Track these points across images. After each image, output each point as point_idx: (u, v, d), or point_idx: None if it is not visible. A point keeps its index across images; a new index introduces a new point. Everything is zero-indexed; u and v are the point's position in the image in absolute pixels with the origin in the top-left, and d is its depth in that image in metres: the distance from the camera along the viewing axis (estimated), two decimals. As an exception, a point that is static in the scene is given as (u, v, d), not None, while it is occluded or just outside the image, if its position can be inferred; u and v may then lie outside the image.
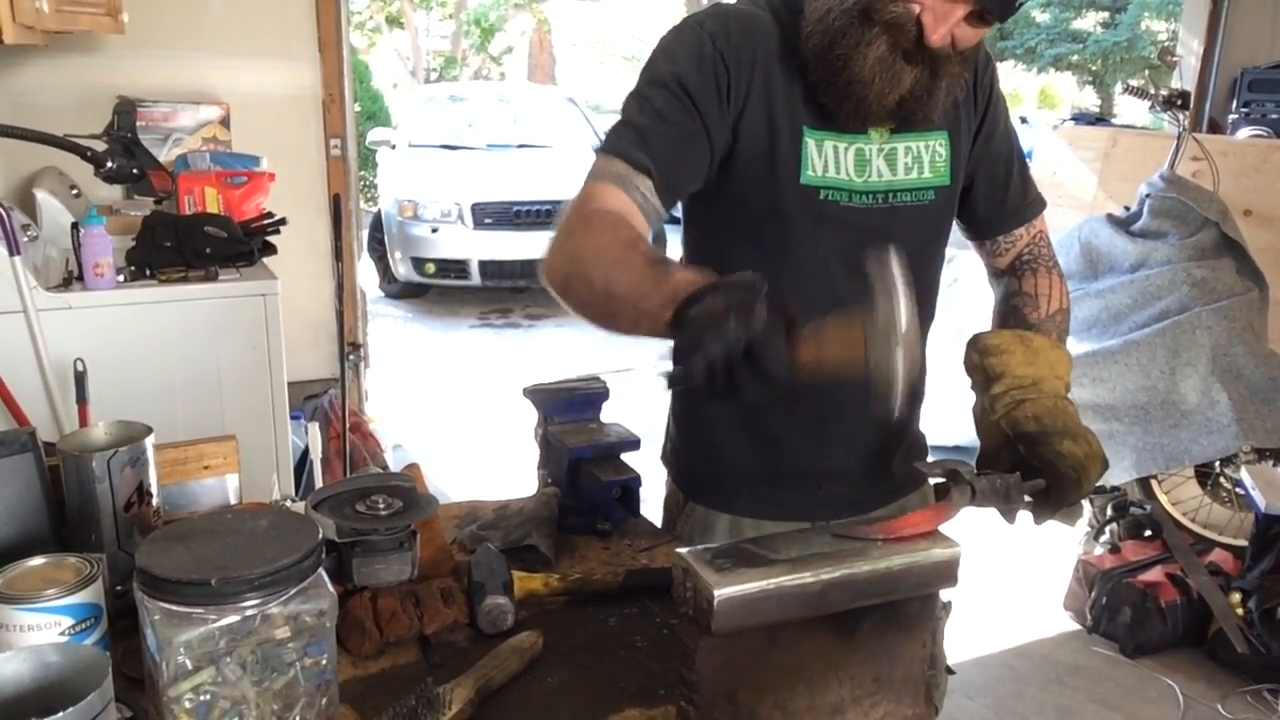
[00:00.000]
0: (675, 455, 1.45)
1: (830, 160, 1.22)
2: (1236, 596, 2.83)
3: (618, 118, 1.20)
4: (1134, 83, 4.00)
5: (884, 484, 1.38)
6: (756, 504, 1.36)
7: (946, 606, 1.37)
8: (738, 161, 1.21)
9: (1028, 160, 1.43)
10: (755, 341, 0.82)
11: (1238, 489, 3.18)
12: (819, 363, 0.86)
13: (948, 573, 0.85)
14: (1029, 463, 1.07)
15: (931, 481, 1.05)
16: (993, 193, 1.36)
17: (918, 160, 1.26)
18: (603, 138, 1.21)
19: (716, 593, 0.75)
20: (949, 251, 1.39)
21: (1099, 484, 3.42)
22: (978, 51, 1.21)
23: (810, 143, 1.21)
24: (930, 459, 1.45)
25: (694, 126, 1.16)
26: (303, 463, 3.02)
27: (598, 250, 1.05)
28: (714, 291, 0.87)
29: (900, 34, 1.10)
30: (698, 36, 1.18)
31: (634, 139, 1.15)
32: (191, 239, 2.46)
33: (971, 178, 1.33)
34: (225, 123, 3.40)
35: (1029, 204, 1.39)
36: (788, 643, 0.81)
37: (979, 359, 1.15)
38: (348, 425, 3.36)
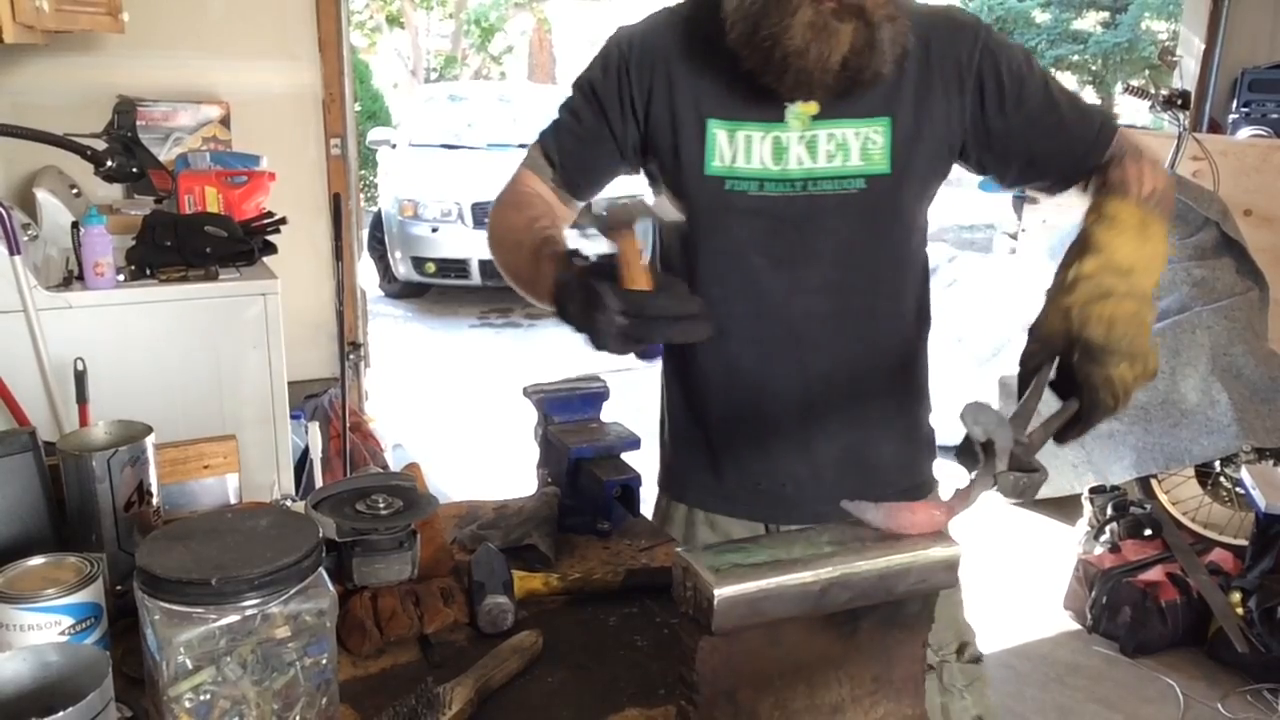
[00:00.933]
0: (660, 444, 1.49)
1: (741, 150, 1.23)
2: (1236, 596, 2.83)
3: None
4: (1134, 83, 4.00)
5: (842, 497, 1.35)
6: (703, 495, 1.40)
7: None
8: (654, 156, 1.31)
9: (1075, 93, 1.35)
10: (600, 319, 0.93)
11: (1238, 489, 3.18)
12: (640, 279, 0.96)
13: (948, 572, 0.85)
14: (1072, 375, 1.00)
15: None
16: (1060, 144, 1.26)
17: (843, 147, 1.23)
18: None
19: (716, 592, 0.75)
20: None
21: (1098, 485, 3.42)
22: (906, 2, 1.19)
23: (718, 134, 1.24)
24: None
25: (599, 126, 1.30)
26: (303, 462, 3.02)
27: (507, 230, 1.27)
28: (564, 288, 1.00)
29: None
30: (611, 45, 1.30)
31: (552, 133, 1.34)
32: (191, 238, 2.46)
33: (1027, 148, 1.26)
34: (225, 122, 3.40)
35: (1100, 131, 1.26)
36: (788, 642, 0.81)
37: (1089, 222, 1.06)
38: (348, 425, 3.36)
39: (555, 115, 1.35)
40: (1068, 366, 1.01)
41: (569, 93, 1.34)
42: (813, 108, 1.21)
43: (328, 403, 3.55)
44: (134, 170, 2.27)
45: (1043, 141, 1.26)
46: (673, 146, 1.27)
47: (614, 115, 1.29)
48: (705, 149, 1.24)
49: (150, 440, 1.13)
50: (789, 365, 1.29)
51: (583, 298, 0.95)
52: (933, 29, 1.24)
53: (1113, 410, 0.99)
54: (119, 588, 1.05)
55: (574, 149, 1.32)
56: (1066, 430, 1.01)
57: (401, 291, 7.57)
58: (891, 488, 1.32)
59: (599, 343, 0.95)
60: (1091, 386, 0.99)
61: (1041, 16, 15.37)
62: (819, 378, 1.29)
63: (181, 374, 2.41)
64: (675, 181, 1.28)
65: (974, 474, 0.91)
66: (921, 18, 1.23)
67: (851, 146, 1.23)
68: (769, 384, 1.31)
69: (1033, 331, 1.04)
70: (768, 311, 1.28)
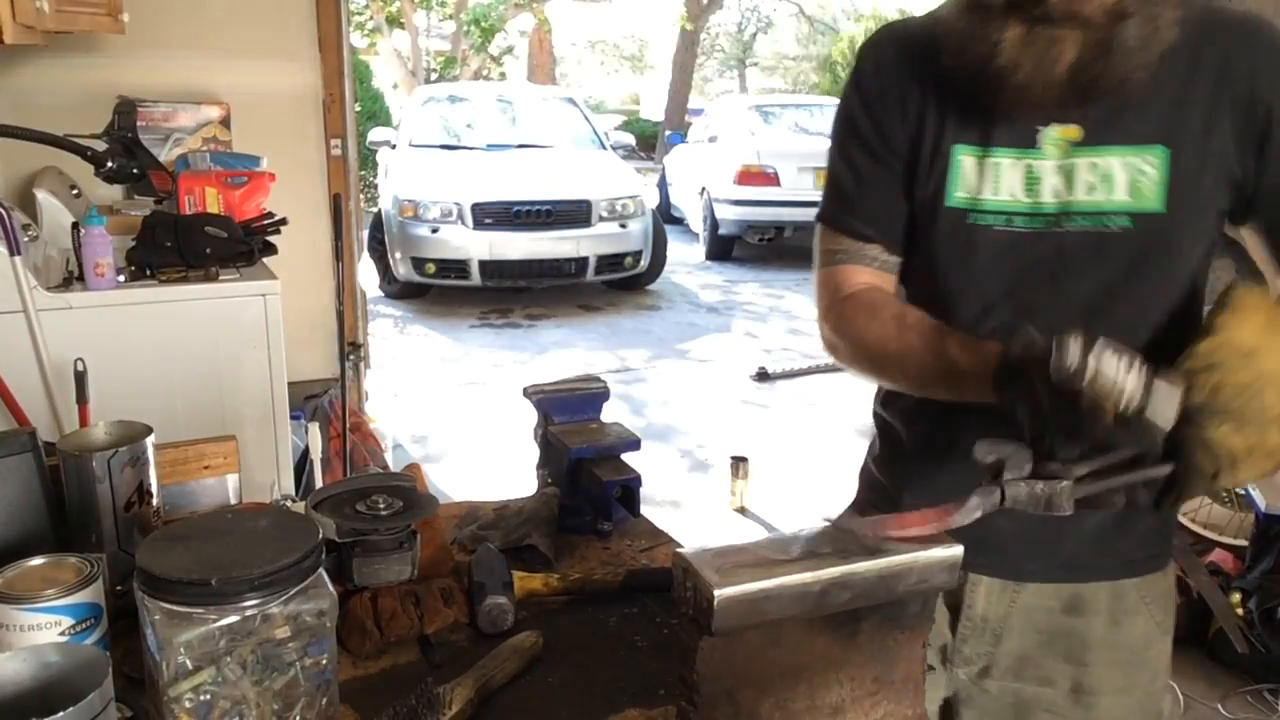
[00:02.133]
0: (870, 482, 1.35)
1: (991, 179, 1.08)
2: (1236, 596, 2.83)
3: (825, 177, 1.22)
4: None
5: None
6: None
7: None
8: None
9: None
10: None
11: (1238, 489, 3.18)
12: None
13: (948, 572, 0.85)
14: (1172, 442, 0.88)
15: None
16: None
17: (1107, 179, 1.05)
18: (819, 203, 1.22)
19: (716, 593, 0.75)
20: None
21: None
22: None
23: (964, 160, 1.09)
24: None
25: (888, 172, 1.15)
26: (303, 463, 3.02)
27: (881, 342, 1.11)
28: (1012, 380, 0.90)
29: (1021, 5, 0.96)
30: (859, 77, 1.16)
31: (846, 206, 1.18)
32: (191, 239, 2.45)
33: None
34: (225, 123, 3.40)
35: None
36: (788, 643, 0.81)
37: (1209, 313, 0.95)
38: (348, 425, 3.36)
39: (834, 182, 1.19)
40: (1169, 442, 0.88)
41: (842, 148, 1.18)
42: (1074, 132, 1.05)
43: (328, 403, 3.55)
44: (134, 171, 2.27)
45: None
46: (913, 174, 1.13)
47: (896, 151, 1.14)
48: (948, 176, 1.10)
49: (150, 440, 1.13)
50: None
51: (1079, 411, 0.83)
52: (1231, 37, 1.04)
53: (1212, 480, 0.89)
54: (119, 588, 1.05)
55: (886, 206, 1.16)
56: (1162, 496, 0.91)
57: (401, 292, 7.58)
58: (1141, 551, 1.22)
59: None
60: (1188, 450, 0.88)
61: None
62: None
63: (181, 374, 2.40)
64: (914, 213, 1.15)
65: (971, 496, 0.87)
66: (1216, 20, 1.05)
67: (1117, 178, 1.05)
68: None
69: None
70: None
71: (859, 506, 1.36)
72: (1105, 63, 0.97)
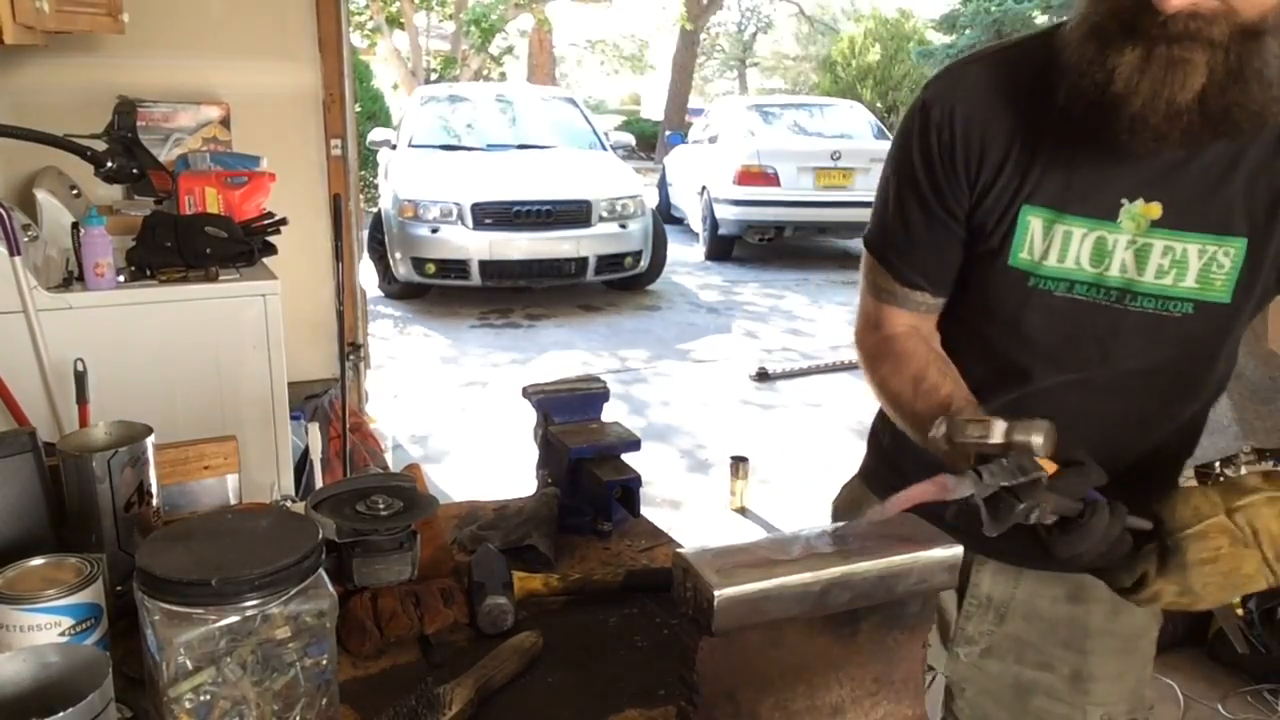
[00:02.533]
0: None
1: (1057, 246, 1.05)
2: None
3: (873, 203, 1.20)
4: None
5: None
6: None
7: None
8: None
9: None
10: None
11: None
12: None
13: (948, 572, 0.85)
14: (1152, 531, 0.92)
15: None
16: None
17: (1179, 264, 1.02)
18: (866, 229, 1.20)
19: (717, 593, 0.75)
20: None
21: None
22: None
23: (1033, 221, 1.06)
24: None
25: (943, 230, 1.12)
26: (303, 463, 3.02)
27: (896, 395, 1.13)
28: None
29: (1138, 26, 0.88)
30: (924, 129, 1.10)
31: (896, 250, 1.16)
32: (191, 239, 2.45)
33: None
34: (225, 123, 3.40)
35: None
36: (788, 643, 0.81)
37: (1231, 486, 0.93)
38: (348, 425, 3.36)
39: (884, 219, 1.17)
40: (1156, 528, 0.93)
41: (897, 191, 1.14)
42: (1155, 210, 1.01)
43: (328, 403, 3.55)
44: (134, 171, 2.27)
45: None
46: (977, 227, 1.10)
47: (954, 209, 1.11)
48: (1014, 236, 1.07)
49: (150, 441, 1.13)
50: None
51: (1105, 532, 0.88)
52: None
53: (1132, 588, 0.94)
54: (119, 588, 1.05)
55: (937, 258, 1.14)
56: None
57: (401, 292, 7.57)
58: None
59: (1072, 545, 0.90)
60: (1144, 569, 0.92)
61: (1041, 18, 15.36)
62: None
63: (181, 374, 2.40)
64: (973, 265, 1.12)
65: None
66: None
67: (1190, 265, 1.02)
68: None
69: (1165, 503, 0.94)
70: (1035, 399, 1.11)
71: (865, 473, 1.39)
72: (1238, 91, 0.88)
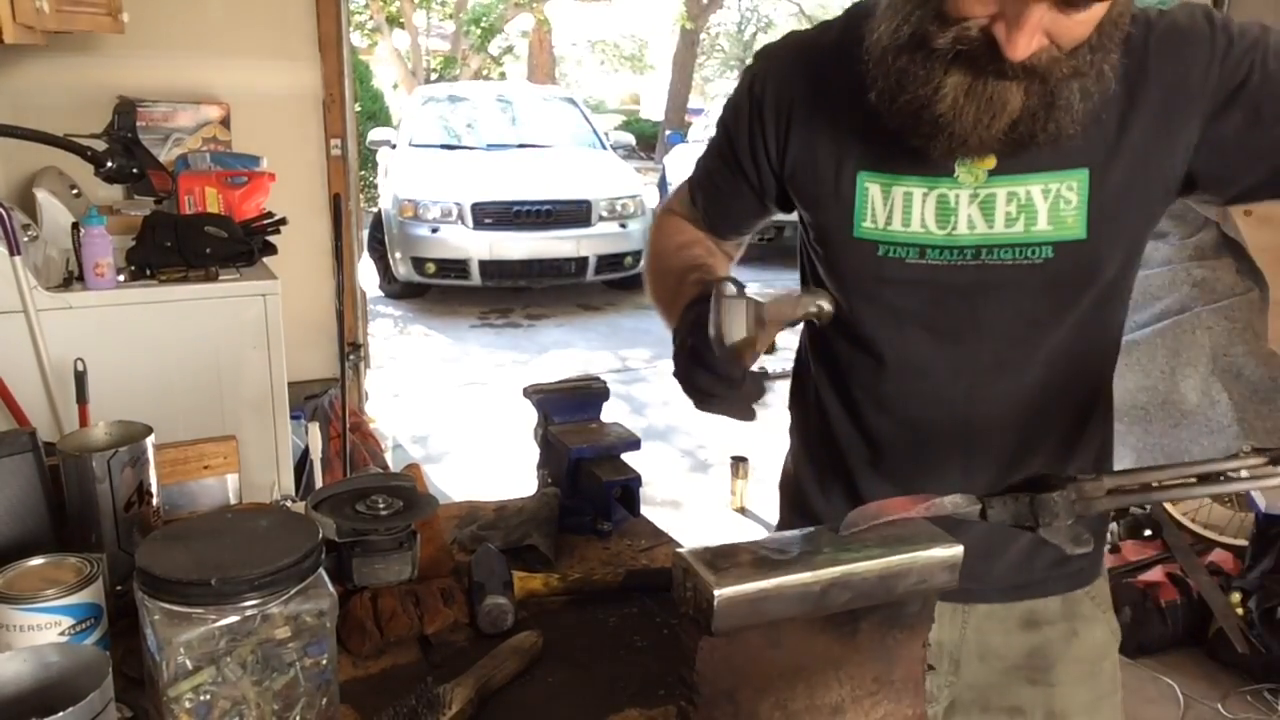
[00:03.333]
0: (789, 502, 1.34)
1: (899, 209, 1.04)
2: (1236, 596, 2.83)
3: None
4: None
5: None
6: None
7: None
8: (799, 208, 1.14)
9: None
10: (696, 348, 0.92)
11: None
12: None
13: (948, 572, 0.85)
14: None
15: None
16: None
17: (1026, 209, 1.01)
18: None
19: (716, 593, 0.75)
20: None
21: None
22: (1113, 34, 0.91)
23: (871, 188, 1.05)
24: None
25: (735, 178, 1.18)
26: (303, 463, 3.02)
27: (657, 254, 1.22)
28: (687, 321, 0.96)
29: (974, 57, 0.89)
30: (745, 79, 1.15)
31: (698, 176, 1.26)
32: (191, 239, 2.46)
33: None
34: (225, 123, 3.40)
35: None
36: (788, 643, 0.81)
37: None
38: (348, 425, 3.36)
39: (700, 159, 1.25)
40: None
41: (712, 136, 1.22)
42: (989, 160, 1.00)
43: (328, 403, 3.55)
44: (134, 171, 2.27)
45: None
46: (815, 199, 1.09)
47: (748, 166, 1.15)
48: (855, 206, 1.06)
49: (150, 441, 1.13)
50: (951, 451, 1.11)
51: (693, 343, 0.93)
52: (1154, 47, 0.99)
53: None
54: (119, 588, 1.05)
55: (715, 197, 1.23)
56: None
57: (401, 292, 7.58)
58: (1084, 559, 1.18)
59: (690, 384, 0.95)
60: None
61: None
62: (984, 464, 1.11)
63: (181, 374, 2.41)
64: (820, 240, 1.11)
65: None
66: (1138, 34, 0.98)
67: (1038, 207, 1.01)
68: (926, 470, 1.13)
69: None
70: (928, 393, 1.10)
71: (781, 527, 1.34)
72: (1047, 119, 0.92)
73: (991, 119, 0.91)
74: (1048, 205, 1.01)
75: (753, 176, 1.16)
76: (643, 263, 1.29)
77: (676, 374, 0.97)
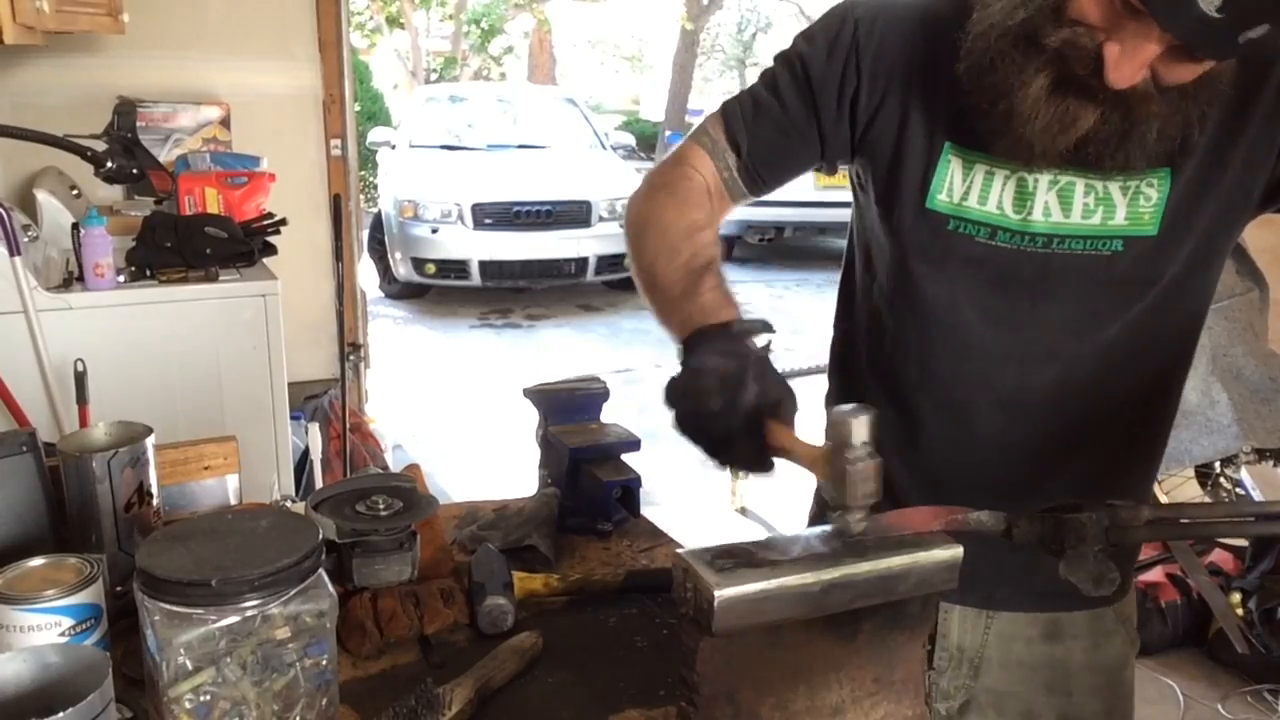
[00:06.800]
0: None
1: (977, 187, 1.02)
2: (1236, 596, 2.83)
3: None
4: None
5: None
6: None
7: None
8: (866, 165, 1.10)
9: None
10: (733, 430, 0.85)
11: (1238, 489, 3.18)
12: (787, 455, 0.86)
13: (948, 573, 0.85)
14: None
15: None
16: None
17: (1104, 201, 0.99)
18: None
19: (717, 593, 0.75)
20: None
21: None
22: (1211, 88, 0.91)
23: (954, 161, 1.03)
24: None
25: (807, 121, 1.08)
26: (303, 463, 3.02)
27: (662, 227, 1.06)
28: (711, 350, 0.88)
29: (1072, 65, 0.88)
30: (842, 22, 1.06)
31: (745, 111, 1.11)
32: (191, 239, 2.46)
33: None
34: (225, 123, 3.40)
35: None
36: (788, 643, 0.81)
37: None
38: (348, 425, 3.36)
39: (751, 90, 1.11)
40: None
41: (773, 64, 1.10)
42: None
43: (328, 403, 3.55)
44: (134, 171, 2.27)
45: None
46: (891, 164, 1.06)
47: (827, 112, 1.07)
48: (933, 177, 1.03)
49: (150, 441, 1.13)
50: (988, 442, 1.09)
51: (726, 383, 0.85)
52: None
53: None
54: (119, 588, 1.05)
55: (771, 139, 1.10)
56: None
57: (401, 292, 7.58)
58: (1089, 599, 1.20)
59: (678, 416, 0.88)
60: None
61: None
62: (1026, 458, 1.08)
63: (181, 374, 2.41)
64: (885, 204, 1.08)
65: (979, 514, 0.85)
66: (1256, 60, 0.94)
67: (1116, 202, 0.99)
68: (959, 464, 1.11)
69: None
70: (975, 376, 1.07)
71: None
72: (1116, 147, 0.92)
73: (1059, 132, 0.91)
74: (1126, 200, 0.99)
75: (829, 126, 1.08)
76: (630, 214, 1.12)
77: (680, 425, 0.89)
